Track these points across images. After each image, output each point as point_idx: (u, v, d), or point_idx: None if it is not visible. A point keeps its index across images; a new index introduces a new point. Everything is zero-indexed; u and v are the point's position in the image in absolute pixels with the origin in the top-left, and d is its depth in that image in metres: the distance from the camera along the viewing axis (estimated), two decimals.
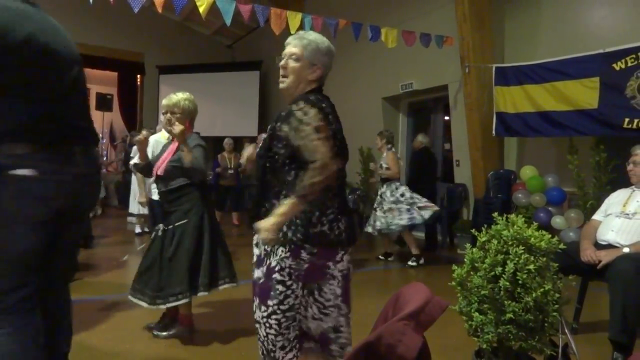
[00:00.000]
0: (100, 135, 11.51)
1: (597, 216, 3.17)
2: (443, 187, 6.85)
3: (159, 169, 2.88)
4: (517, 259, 1.85)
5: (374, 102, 8.04)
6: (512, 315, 1.81)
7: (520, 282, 1.83)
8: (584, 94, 4.96)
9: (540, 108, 5.37)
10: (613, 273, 2.57)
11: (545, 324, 1.84)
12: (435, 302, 1.22)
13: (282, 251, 1.66)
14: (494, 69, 5.81)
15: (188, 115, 2.91)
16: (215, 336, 3.00)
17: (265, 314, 1.69)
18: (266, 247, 1.69)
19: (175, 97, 2.89)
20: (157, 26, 10.84)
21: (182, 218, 2.83)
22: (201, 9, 4.65)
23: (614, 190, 3.31)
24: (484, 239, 2.01)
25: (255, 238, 1.78)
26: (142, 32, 10.81)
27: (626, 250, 2.71)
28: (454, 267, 2.02)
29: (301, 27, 5.02)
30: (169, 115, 2.86)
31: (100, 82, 11.09)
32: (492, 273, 1.89)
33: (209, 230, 2.90)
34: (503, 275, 1.85)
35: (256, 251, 1.78)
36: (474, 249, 2.02)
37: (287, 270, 1.66)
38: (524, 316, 1.80)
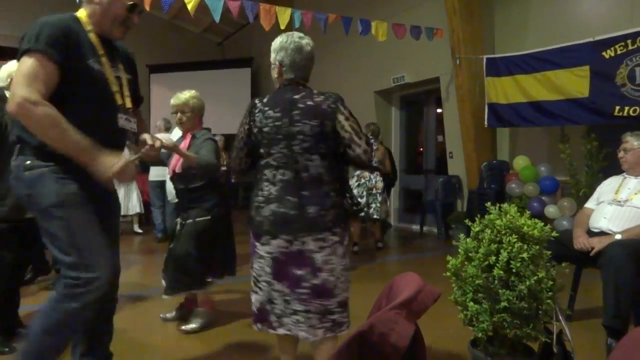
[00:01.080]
0: None
1: (589, 204, 3.19)
2: (437, 179, 6.87)
3: (176, 167, 2.90)
4: (510, 247, 1.86)
5: (366, 96, 8.03)
6: (506, 304, 1.82)
7: (514, 270, 1.84)
8: (575, 82, 4.98)
9: (532, 98, 5.39)
10: (605, 259, 2.59)
11: (540, 312, 1.86)
12: (427, 291, 1.22)
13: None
14: (484, 60, 5.82)
15: (197, 113, 2.99)
16: (224, 327, 3.04)
17: None
18: None
19: (183, 96, 2.96)
20: (146, 25, 10.74)
21: (204, 214, 2.89)
22: (189, 6, 4.61)
23: (606, 177, 3.33)
24: (477, 229, 2.02)
25: None
26: (131, 31, 10.70)
27: (618, 236, 2.73)
28: (449, 257, 2.03)
29: (290, 22, 5.01)
30: (179, 114, 2.95)
31: None
32: (486, 262, 1.90)
33: (227, 227, 3.06)
34: (497, 265, 1.86)
35: None
36: (468, 239, 2.03)
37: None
38: (518, 304, 1.82)
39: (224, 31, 11.66)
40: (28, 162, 1.70)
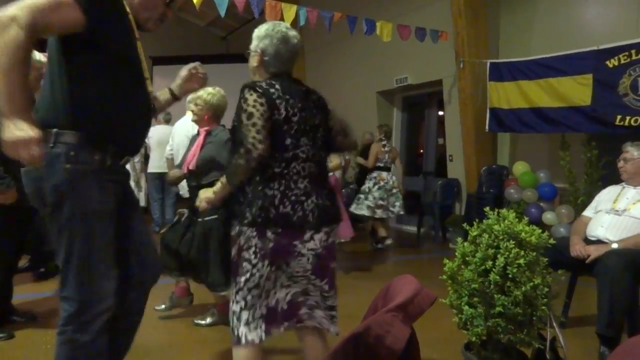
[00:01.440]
0: None
1: (587, 212, 3.20)
2: (436, 182, 6.88)
3: (190, 163, 2.89)
4: (507, 253, 1.86)
5: (369, 97, 8.02)
6: (501, 309, 1.83)
7: (510, 276, 1.84)
8: (577, 90, 4.98)
9: (534, 104, 5.39)
10: (601, 268, 2.60)
11: (534, 318, 1.86)
12: (424, 294, 1.23)
13: (250, 231, 1.72)
14: (488, 64, 5.81)
15: (209, 108, 2.96)
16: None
17: (235, 289, 1.78)
18: (239, 227, 1.76)
19: (201, 90, 2.92)
20: None
21: (213, 213, 2.82)
22: (195, 0, 4.60)
23: (605, 186, 3.33)
24: (475, 233, 2.02)
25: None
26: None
27: (615, 246, 2.74)
28: (445, 260, 2.03)
29: (296, 19, 5.00)
30: (192, 105, 2.99)
31: None
32: (483, 267, 1.91)
33: None
34: (493, 269, 1.86)
35: (232, 232, 1.83)
36: (465, 243, 2.03)
37: (253, 248, 1.73)
38: (513, 310, 1.82)
39: (229, 26, 11.64)
40: (72, 153, 1.51)
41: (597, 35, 5.03)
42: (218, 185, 1.83)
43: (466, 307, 1.92)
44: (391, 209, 5.58)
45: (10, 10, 1.34)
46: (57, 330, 1.58)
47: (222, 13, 4.73)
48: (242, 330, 1.74)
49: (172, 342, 2.81)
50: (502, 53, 6.15)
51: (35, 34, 1.37)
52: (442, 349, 2.64)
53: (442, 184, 6.66)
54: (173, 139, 5.06)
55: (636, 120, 4.49)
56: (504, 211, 2.02)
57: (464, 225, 2.14)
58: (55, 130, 1.52)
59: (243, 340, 1.73)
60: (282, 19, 4.90)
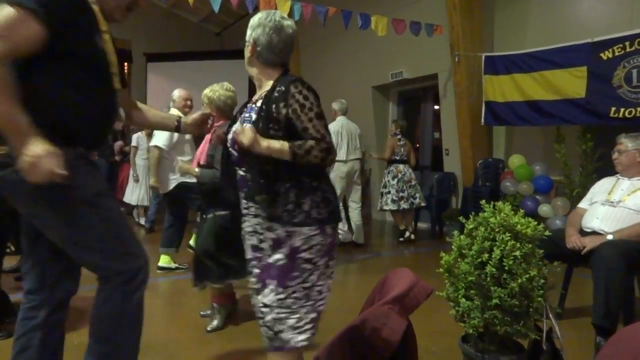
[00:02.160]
0: None
1: (582, 204, 3.21)
2: (432, 176, 6.89)
3: (200, 158, 2.91)
4: (503, 245, 1.87)
5: (364, 91, 8.02)
6: (498, 301, 1.84)
7: (506, 268, 1.85)
8: (572, 83, 4.99)
9: (529, 97, 5.40)
10: (597, 259, 2.61)
11: (530, 309, 1.88)
12: (420, 287, 1.23)
13: (309, 229, 1.66)
14: (483, 57, 5.81)
15: (212, 105, 2.93)
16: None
17: (283, 295, 1.66)
18: (288, 228, 1.66)
19: (208, 88, 3.00)
20: (144, 13, 10.64)
21: (224, 208, 2.78)
22: None
23: (600, 178, 3.35)
24: (471, 226, 2.03)
25: (261, 224, 1.73)
26: (129, 19, 10.59)
27: (610, 237, 2.76)
28: (442, 254, 2.04)
29: (290, 14, 4.98)
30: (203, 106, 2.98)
31: None
32: (479, 259, 1.91)
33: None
34: (489, 262, 1.87)
35: (271, 235, 1.70)
36: (462, 236, 2.04)
37: (316, 247, 1.67)
38: (509, 302, 1.83)
39: (223, 22, 11.58)
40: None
41: (591, 27, 5.04)
42: (276, 144, 1.59)
43: (463, 300, 1.93)
44: (412, 200, 5.77)
45: None
46: (98, 286, 1.63)
47: (216, 9, 4.71)
48: (289, 335, 1.65)
49: (174, 337, 2.81)
50: (497, 46, 6.15)
51: (8, 61, 1.35)
52: (440, 341, 2.66)
53: (438, 178, 6.67)
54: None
55: (630, 112, 4.51)
56: (499, 204, 2.03)
57: (461, 218, 2.15)
58: None
59: (292, 343, 1.64)
60: None
